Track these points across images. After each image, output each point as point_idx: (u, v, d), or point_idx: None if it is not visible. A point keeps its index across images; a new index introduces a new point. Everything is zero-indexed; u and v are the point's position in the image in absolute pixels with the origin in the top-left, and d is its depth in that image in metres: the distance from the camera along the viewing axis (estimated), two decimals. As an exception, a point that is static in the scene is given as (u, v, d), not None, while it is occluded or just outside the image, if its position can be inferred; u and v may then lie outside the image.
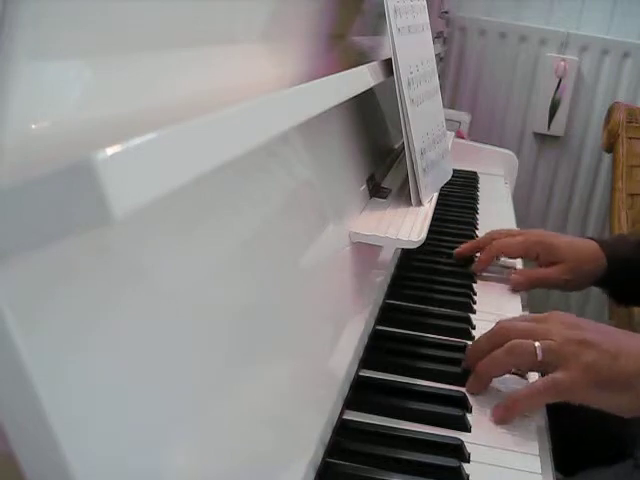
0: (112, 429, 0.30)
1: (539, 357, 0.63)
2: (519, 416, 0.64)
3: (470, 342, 0.77)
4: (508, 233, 1.01)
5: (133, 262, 0.35)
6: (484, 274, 0.98)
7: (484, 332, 0.71)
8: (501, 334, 0.68)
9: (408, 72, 0.81)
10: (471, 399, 0.66)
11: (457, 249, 1.01)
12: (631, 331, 0.69)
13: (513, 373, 0.70)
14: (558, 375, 0.62)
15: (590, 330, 0.66)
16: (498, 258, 1.01)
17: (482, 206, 1.32)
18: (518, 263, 1.03)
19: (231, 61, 0.56)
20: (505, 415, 0.64)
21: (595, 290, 2.03)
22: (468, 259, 1.01)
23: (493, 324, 0.71)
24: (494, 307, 0.88)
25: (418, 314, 0.83)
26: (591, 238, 0.98)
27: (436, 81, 0.98)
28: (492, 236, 1.00)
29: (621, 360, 0.62)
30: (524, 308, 0.91)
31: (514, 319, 0.74)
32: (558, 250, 0.95)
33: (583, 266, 0.94)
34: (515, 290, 0.94)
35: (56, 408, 0.27)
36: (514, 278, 0.95)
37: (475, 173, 1.53)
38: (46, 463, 0.27)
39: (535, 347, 0.64)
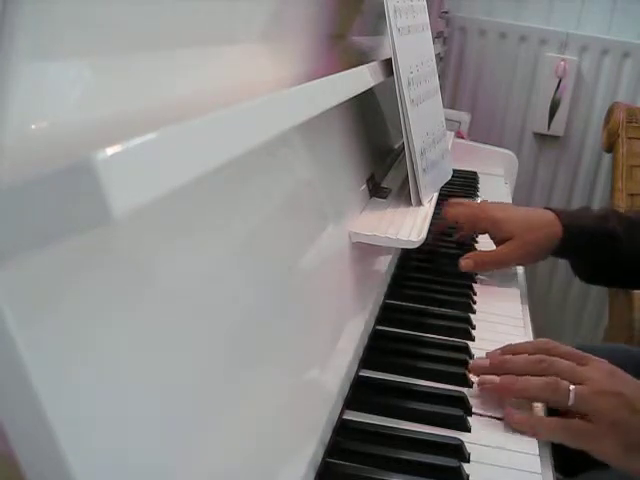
0: (112, 429, 0.30)
1: (570, 402, 0.61)
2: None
3: (470, 342, 0.77)
4: (463, 203, 1.04)
5: (133, 262, 0.35)
6: (483, 276, 0.98)
7: (526, 341, 0.70)
8: (542, 366, 0.65)
9: (408, 72, 0.81)
10: (471, 399, 0.66)
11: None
12: (629, 332, 0.69)
13: None
14: (582, 424, 0.61)
15: (628, 384, 0.62)
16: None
17: (482, 206, 1.32)
18: (520, 274, 1.03)
19: (231, 61, 0.56)
20: (517, 425, 0.63)
21: (595, 289, 2.03)
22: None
23: (493, 324, 0.71)
24: (494, 307, 0.88)
25: (418, 314, 0.83)
26: (549, 208, 0.98)
27: (436, 81, 0.98)
28: (449, 203, 1.03)
29: None
30: (524, 307, 0.91)
31: (556, 347, 0.69)
32: (505, 225, 0.95)
33: (534, 237, 0.94)
34: (465, 271, 0.95)
35: (56, 408, 0.27)
36: (463, 262, 0.95)
37: (475, 173, 1.53)
38: (46, 463, 0.27)
39: (570, 390, 0.61)
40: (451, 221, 1.02)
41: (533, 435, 0.62)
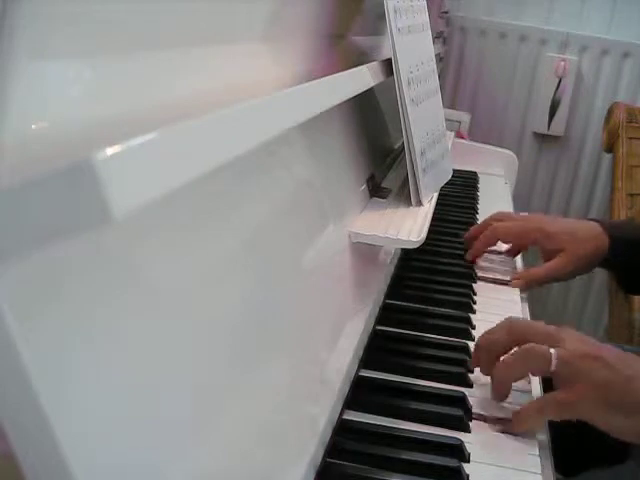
0: (112, 429, 0.30)
1: (552, 366, 0.62)
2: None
3: (470, 342, 0.77)
4: (508, 216, 1.01)
5: (133, 262, 0.35)
6: (484, 274, 0.98)
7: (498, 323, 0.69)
8: (518, 333, 0.67)
9: (408, 72, 0.81)
10: (471, 399, 0.66)
11: (466, 234, 1.02)
12: (629, 332, 0.69)
13: None
14: (566, 394, 0.61)
15: (604, 348, 0.64)
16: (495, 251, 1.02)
17: (482, 206, 1.32)
18: (517, 260, 1.03)
19: (231, 61, 0.56)
20: (512, 429, 0.63)
21: (595, 289, 2.03)
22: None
23: (493, 324, 0.71)
24: (494, 307, 0.88)
25: (418, 314, 0.83)
26: (595, 220, 0.97)
27: (436, 81, 0.98)
28: (493, 218, 1.00)
29: (634, 384, 0.60)
30: (524, 307, 0.91)
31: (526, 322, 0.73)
32: (556, 238, 0.94)
33: (583, 250, 0.93)
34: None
35: (56, 408, 0.27)
36: (515, 283, 0.95)
37: (475, 173, 1.52)
38: (46, 463, 0.27)
39: (551, 354, 0.62)
40: (501, 239, 0.98)
41: (531, 428, 0.63)
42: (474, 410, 0.65)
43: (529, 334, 0.66)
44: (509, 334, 0.67)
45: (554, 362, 0.62)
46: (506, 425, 0.63)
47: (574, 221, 1.00)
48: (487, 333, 0.70)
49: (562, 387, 0.62)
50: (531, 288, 0.96)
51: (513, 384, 0.67)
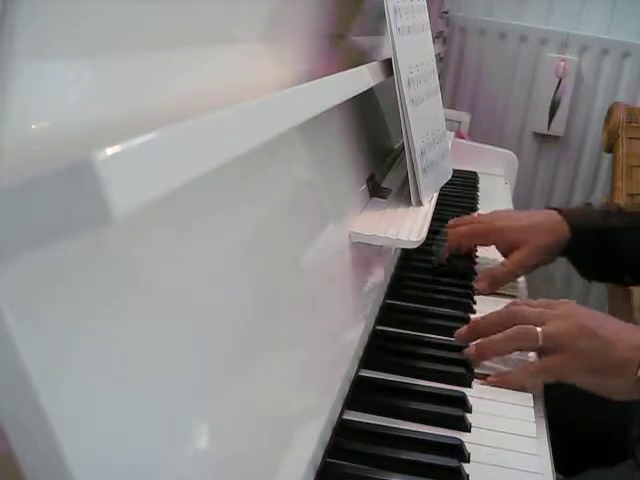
0: (112, 428, 0.30)
1: (540, 342, 0.69)
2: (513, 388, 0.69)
3: (470, 342, 0.77)
4: (469, 220, 1.00)
5: (133, 262, 0.35)
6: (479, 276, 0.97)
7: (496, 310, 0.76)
8: (510, 317, 0.72)
9: (408, 72, 0.81)
10: (471, 399, 0.66)
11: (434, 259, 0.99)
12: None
13: None
14: (552, 359, 0.68)
15: (590, 318, 0.70)
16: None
17: (482, 206, 1.32)
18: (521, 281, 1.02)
19: (231, 61, 0.56)
20: (498, 383, 0.69)
21: (595, 289, 2.03)
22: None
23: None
24: (494, 307, 0.88)
25: (418, 314, 0.83)
26: (554, 208, 0.96)
27: (436, 81, 0.98)
28: (450, 225, 0.99)
29: (614, 347, 0.66)
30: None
31: (526, 302, 0.78)
32: (511, 232, 0.93)
33: (544, 240, 0.92)
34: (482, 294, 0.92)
35: (56, 408, 0.27)
36: (477, 285, 0.92)
37: (475, 173, 1.52)
38: (46, 463, 0.27)
39: (538, 332, 0.69)
40: (455, 245, 0.97)
41: (523, 387, 0.69)
42: (474, 410, 0.65)
43: (518, 317, 0.72)
44: (501, 316, 0.73)
45: (541, 338, 0.69)
46: (494, 379, 0.70)
47: (529, 213, 0.98)
48: (481, 316, 0.76)
49: (550, 355, 0.69)
50: (497, 288, 0.93)
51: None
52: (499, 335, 0.71)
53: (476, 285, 0.93)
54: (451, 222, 1.01)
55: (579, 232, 0.92)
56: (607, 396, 0.68)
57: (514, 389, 0.69)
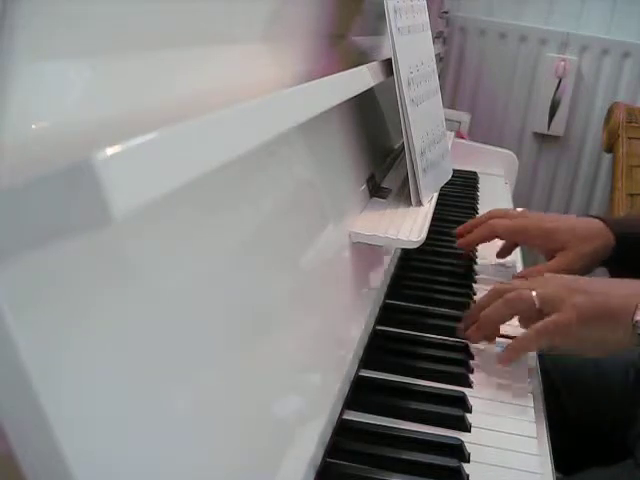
0: (112, 428, 0.30)
1: (537, 304, 0.70)
2: (522, 355, 0.72)
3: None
4: (506, 214, 0.97)
5: (133, 261, 0.35)
6: (484, 275, 0.97)
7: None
8: (500, 293, 0.74)
9: (408, 72, 0.81)
10: (471, 399, 0.66)
11: (459, 228, 0.98)
12: None
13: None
14: (553, 317, 0.69)
15: (578, 279, 0.74)
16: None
17: (482, 206, 1.32)
18: (518, 261, 1.02)
19: (231, 61, 0.56)
20: (509, 356, 0.71)
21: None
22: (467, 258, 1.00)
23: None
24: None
25: (418, 314, 0.83)
26: (597, 217, 0.93)
27: (436, 81, 0.98)
28: (490, 214, 0.97)
29: (608, 299, 0.69)
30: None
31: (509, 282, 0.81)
32: (557, 235, 0.91)
33: (590, 247, 0.89)
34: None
35: (56, 408, 0.27)
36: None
37: (475, 173, 1.52)
38: (46, 463, 0.27)
39: (533, 296, 0.70)
40: (500, 236, 0.95)
41: (526, 351, 0.72)
42: (474, 409, 0.66)
43: (508, 289, 0.73)
44: (490, 296, 0.75)
45: (537, 301, 0.70)
46: (505, 355, 0.71)
47: (575, 218, 0.96)
48: (476, 304, 0.78)
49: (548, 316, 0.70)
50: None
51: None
52: (495, 304, 0.72)
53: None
54: (492, 212, 0.98)
55: (623, 241, 0.90)
56: (607, 352, 0.71)
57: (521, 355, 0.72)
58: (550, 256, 0.92)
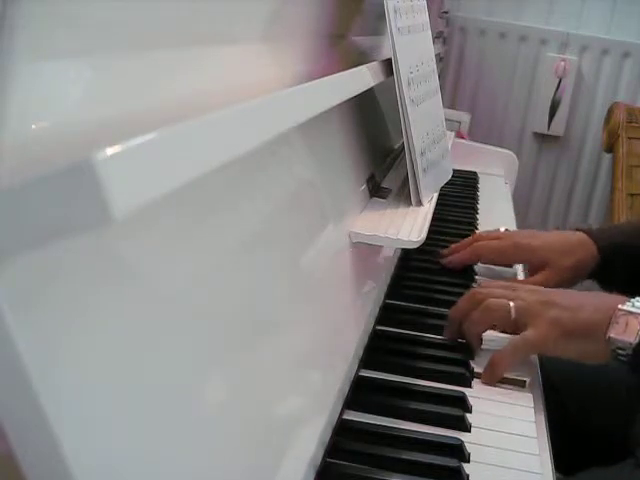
0: (112, 428, 0.30)
1: (512, 315, 0.71)
2: (506, 372, 0.71)
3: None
4: (492, 236, 0.97)
5: (133, 261, 0.35)
6: (484, 276, 0.97)
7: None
8: (479, 297, 0.75)
9: (408, 72, 0.81)
10: (471, 399, 0.66)
11: (444, 250, 0.97)
12: None
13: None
14: (528, 332, 0.70)
15: (554, 293, 0.75)
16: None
17: (482, 206, 1.32)
18: (519, 272, 1.02)
19: (231, 61, 0.56)
20: (492, 375, 0.70)
21: (596, 289, 2.03)
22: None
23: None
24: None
25: (418, 314, 0.83)
26: (579, 229, 0.94)
27: (436, 81, 0.98)
28: (474, 238, 0.98)
29: (581, 313, 0.70)
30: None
31: (487, 284, 0.83)
32: (538, 252, 0.91)
33: (571, 261, 0.90)
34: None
35: (56, 408, 0.27)
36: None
37: (475, 173, 1.52)
38: (46, 463, 0.27)
39: (510, 306, 0.72)
40: (475, 260, 0.96)
41: (506, 367, 0.71)
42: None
43: (489, 296, 0.74)
44: (471, 302, 0.75)
45: (513, 311, 0.72)
46: (487, 375, 0.71)
47: (555, 233, 0.97)
48: (454, 307, 0.77)
49: (523, 330, 0.71)
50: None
51: None
52: (474, 314, 0.74)
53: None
54: (476, 235, 1.00)
55: (607, 252, 0.90)
56: (585, 361, 0.72)
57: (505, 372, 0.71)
58: (532, 273, 0.93)
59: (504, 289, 0.76)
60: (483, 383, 0.70)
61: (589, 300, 0.73)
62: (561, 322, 0.70)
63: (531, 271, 0.94)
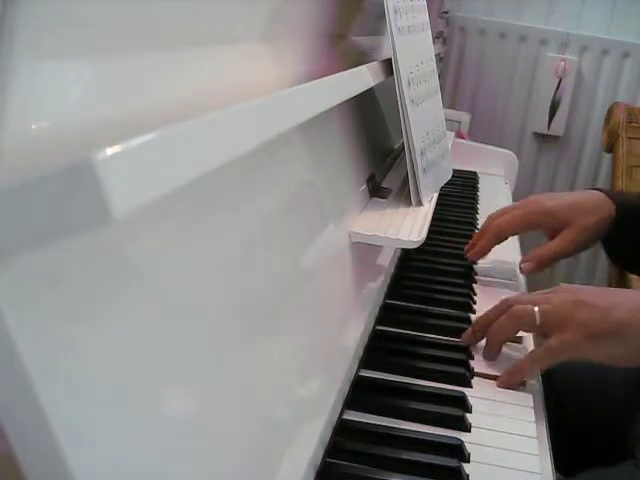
0: (112, 428, 0.30)
1: (537, 321, 0.68)
2: (522, 381, 0.70)
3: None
4: (504, 211, 0.96)
5: (133, 261, 0.35)
6: (484, 276, 0.97)
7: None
8: (507, 303, 0.73)
9: (408, 72, 0.81)
10: (471, 399, 0.66)
11: (468, 254, 0.96)
12: None
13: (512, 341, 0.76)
14: (552, 340, 0.67)
15: (584, 292, 0.71)
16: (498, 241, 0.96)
17: (482, 206, 1.32)
18: (518, 260, 1.01)
19: (231, 61, 0.56)
20: (510, 380, 0.69)
21: (599, 274, 2.02)
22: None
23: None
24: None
25: (418, 314, 0.83)
26: (598, 189, 0.93)
27: (436, 81, 0.98)
28: (490, 218, 0.96)
29: (611, 312, 0.67)
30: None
31: (519, 295, 0.80)
32: (559, 213, 0.90)
33: (591, 221, 0.89)
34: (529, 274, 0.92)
35: (56, 408, 0.27)
36: (523, 265, 0.92)
37: (475, 173, 1.52)
38: (46, 463, 0.27)
39: (535, 311, 0.69)
40: (507, 233, 0.93)
41: (529, 376, 0.70)
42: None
43: (517, 303, 0.72)
44: (499, 308, 0.73)
45: (538, 316, 0.68)
46: (503, 379, 0.69)
47: (574, 193, 0.95)
48: (481, 315, 0.76)
49: (550, 336, 0.68)
50: (542, 269, 0.91)
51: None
52: (499, 321, 0.72)
53: (523, 266, 0.92)
54: (492, 214, 0.97)
55: (624, 211, 0.89)
56: (611, 363, 0.69)
57: (526, 380, 0.70)
58: (553, 235, 0.92)
59: (536, 295, 0.73)
60: (498, 386, 0.69)
61: (618, 299, 0.69)
62: (590, 323, 0.67)
63: (550, 234, 0.92)
